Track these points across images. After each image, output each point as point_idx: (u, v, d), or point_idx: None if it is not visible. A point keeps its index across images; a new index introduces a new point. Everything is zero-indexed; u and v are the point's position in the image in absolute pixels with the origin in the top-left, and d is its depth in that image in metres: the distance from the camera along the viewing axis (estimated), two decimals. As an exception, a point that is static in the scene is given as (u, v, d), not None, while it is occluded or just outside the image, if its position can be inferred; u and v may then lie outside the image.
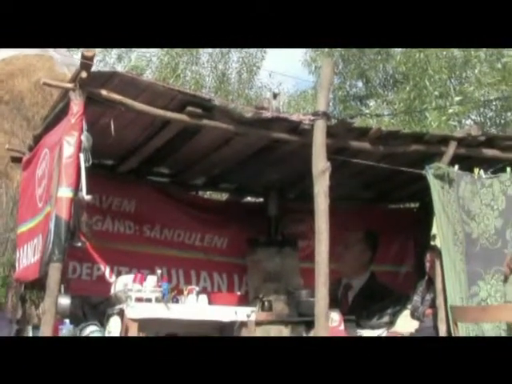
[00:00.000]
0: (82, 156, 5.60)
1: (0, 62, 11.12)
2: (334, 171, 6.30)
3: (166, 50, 18.33)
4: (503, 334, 6.34)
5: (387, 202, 10.04)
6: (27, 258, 6.57)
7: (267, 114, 6.44)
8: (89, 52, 5.44)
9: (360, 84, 19.28)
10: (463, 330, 6.68)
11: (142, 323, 6.18)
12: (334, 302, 7.90)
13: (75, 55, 11.00)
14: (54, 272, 5.42)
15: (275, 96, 7.01)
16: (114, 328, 6.31)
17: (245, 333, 6.66)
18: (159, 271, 6.83)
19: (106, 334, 6.33)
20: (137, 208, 8.14)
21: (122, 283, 6.61)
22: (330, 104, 18.85)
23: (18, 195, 8.02)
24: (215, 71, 19.95)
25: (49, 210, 5.79)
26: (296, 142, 6.76)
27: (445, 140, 7.29)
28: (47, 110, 7.47)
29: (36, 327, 6.61)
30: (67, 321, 6.02)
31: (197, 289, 6.97)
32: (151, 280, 6.48)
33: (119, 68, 17.70)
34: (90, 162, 5.66)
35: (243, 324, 6.68)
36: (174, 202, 8.48)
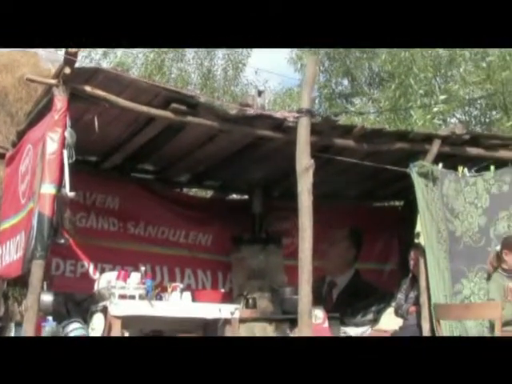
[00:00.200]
0: (65, 152, 5.58)
1: (-16, 57, 11.07)
2: (319, 169, 6.29)
3: (151, 46, 18.28)
4: (486, 332, 6.37)
5: (372, 199, 10.06)
6: (10, 254, 6.52)
7: (251, 111, 6.43)
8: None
9: (346, 82, 19.33)
10: (446, 327, 6.71)
11: (126, 320, 6.16)
12: (319, 300, 7.91)
13: (60, 51, 10.95)
14: (37, 269, 5.39)
15: (260, 93, 6.99)
16: (97, 325, 6.28)
17: (229, 330, 6.64)
18: (143, 268, 6.80)
19: (90, 331, 6.30)
20: (121, 205, 8.12)
21: (106, 280, 6.58)
22: (316, 102, 18.88)
23: (0, 191, 7.96)
24: (201, 68, 19.92)
25: (32, 207, 5.75)
26: (280, 140, 6.76)
27: (429, 138, 7.31)
28: (31, 105, 7.43)
29: (19, 324, 6.58)
30: (50, 318, 5.97)
31: (181, 286, 6.95)
32: (135, 277, 6.46)
33: (105, 64, 17.65)
34: (74, 159, 5.63)
35: (227, 321, 6.67)
36: (159, 199, 8.46)
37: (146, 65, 18.51)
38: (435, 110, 13.53)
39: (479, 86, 14.10)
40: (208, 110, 6.32)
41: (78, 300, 7.37)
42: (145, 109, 6.09)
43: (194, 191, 11.15)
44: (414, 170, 7.10)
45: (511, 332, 5.99)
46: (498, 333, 5.83)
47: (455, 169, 7.43)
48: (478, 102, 15.34)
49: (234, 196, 10.17)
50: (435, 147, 7.24)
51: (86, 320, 6.49)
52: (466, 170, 7.48)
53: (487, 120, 15.87)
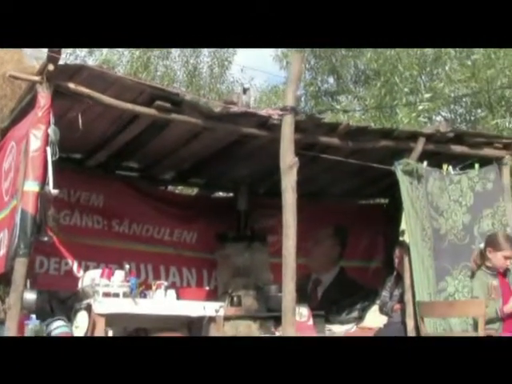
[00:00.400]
0: (48, 149, 5.54)
1: (-33, 54, 10.98)
2: (303, 166, 6.29)
3: (137, 44, 18.21)
4: (470, 329, 6.38)
5: (357, 197, 10.08)
6: (-7, 252, 6.50)
7: (236, 109, 6.42)
8: (56, 45, 5.38)
9: (331, 80, 19.30)
10: (431, 324, 6.72)
11: (110, 318, 6.16)
12: (304, 297, 7.93)
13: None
14: (20, 267, 5.35)
15: (245, 91, 6.98)
16: (81, 323, 6.27)
17: (213, 328, 6.64)
18: (127, 266, 6.79)
19: (74, 329, 6.29)
20: (105, 202, 8.09)
21: (90, 278, 6.57)
22: (302, 100, 18.89)
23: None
24: (187, 65, 19.89)
25: (15, 204, 5.71)
26: (265, 137, 6.75)
27: (414, 136, 7.32)
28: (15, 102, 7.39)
29: (1, 322, 6.53)
30: (33, 316, 5.96)
31: (165, 284, 6.95)
32: (119, 275, 6.46)
33: (90, 62, 17.58)
34: (58, 156, 5.59)
35: (212, 319, 6.68)
36: (143, 197, 8.44)
37: (132, 62, 18.45)
38: (420, 108, 13.56)
39: (464, 84, 14.13)
40: (192, 108, 6.29)
41: (62, 298, 7.35)
42: (129, 106, 6.07)
43: (179, 189, 11.14)
44: (398, 168, 7.10)
45: (495, 330, 6.03)
46: (481, 331, 5.85)
47: (440, 167, 7.45)
48: (463, 100, 15.38)
49: (220, 194, 10.17)
50: (420, 145, 7.25)
51: (69, 318, 6.48)
52: (450, 167, 7.51)
53: (472, 118, 15.91)
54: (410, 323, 6.88)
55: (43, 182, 5.51)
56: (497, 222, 7.45)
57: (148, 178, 8.64)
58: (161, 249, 8.48)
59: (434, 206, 7.32)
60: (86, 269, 7.51)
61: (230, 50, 19.58)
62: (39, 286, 6.51)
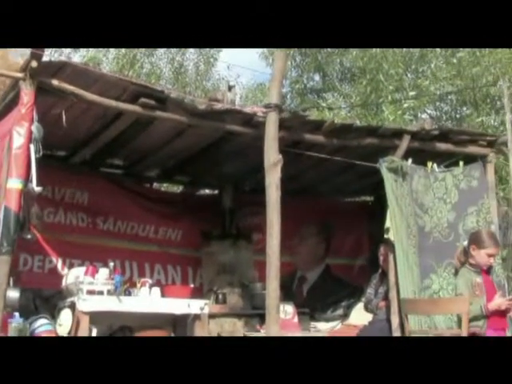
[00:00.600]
0: (32, 147, 5.51)
1: (-49, 50, 10.95)
2: (288, 164, 6.27)
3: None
4: (455, 326, 6.39)
5: (342, 195, 10.07)
6: (-24, 250, 6.45)
7: (220, 106, 6.41)
8: (39, 41, 5.35)
9: (317, 77, 19.34)
10: (415, 322, 6.74)
11: (94, 316, 6.11)
12: (289, 295, 7.94)
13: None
14: (3, 265, 5.31)
15: (230, 88, 6.97)
16: (64, 321, 6.23)
17: (198, 326, 6.62)
18: (112, 264, 6.76)
19: (57, 327, 6.24)
20: (90, 200, 8.06)
21: (74, 276, 6.52)
22: (288, 97, 18.91)
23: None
24: (173, 63, 19.88)
25: (-2, 202, 5.69)
26: (250, 135, 6.72)
27: (398, 133, 7.32)
28: (-1, 99, 7.35)
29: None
30: (17, 314, 5.93)
31: (150, 281, 6.91)
32: (103, 272, 6.41)
33: (76, 58, 17.54)
34: (41, 153, 5.56)
35: (196, 317, 6.64)
36: (128, 194, 8.42)
37: (118, 59, 18.44)
38: (406, 105, 13.61)
39: (450, 82, 14.22)
40: (177, 105, 6.28)
41: (46, 296, 7.29)
42: (113, 103, 6.04)
43: (165, 186, 11.12)
44: (383, 166, 7.10)
45: (479, 327, 6.04)
46: (464, 328, 5.88)
47: (424, 164, 7.46)
48: (449, 97, 15.45)
49: (207, 191, 10.16)
50: (405, 143, 7.25)
51: (53, 316, 6.44)
52: (435, 165, 7.52)
53: (458, 116, 15.98)
54: (395, 320, 6.89)
55: (27, 180, 5.48)
56: (481, 220, 7.46)
57: (133, 176, 8.62)
58: (146, 246, 8.47)
59: (418, 203, 7.33)
60: (71, 266, 7.48)
61: (216, 47, 19.56)
62: (23, 284, 6.47)
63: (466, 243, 6.43)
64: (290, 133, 6.76)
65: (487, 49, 13.12)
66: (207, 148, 7.51)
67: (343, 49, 17.37)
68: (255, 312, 7.51)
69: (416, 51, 15.23)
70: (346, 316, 8.57)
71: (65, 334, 6.08)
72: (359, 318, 7.96)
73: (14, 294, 5.76)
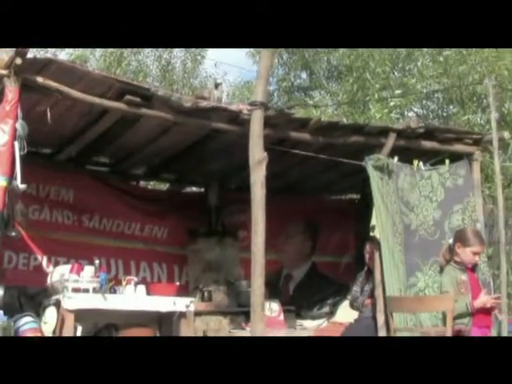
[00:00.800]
0: (16, 144, 5.48)
1: None
2: (274, 162, 6.25)
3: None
4: (440, 324, 6.40)
5: (328, 193, 10.08)
6: (-40, 248, 6.43)
7: (206, 104, 6.40)
8: (23, 38, 5.31)
9: (304, 75, 19.34)
10: (401, 319, 6.75)
11: (79, 314, 6.09)
12: (275, 293, 7.94)
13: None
14: (-13, 262, 5.32)
15: (217, 86, 6.95)
16: (49, 319, 6.21)
17: (184, 323, 6.60)
18: (97, 261, 6.74)
19: (42, 325, 6.23)
20: (75, 197, 8.04)
21: (59, 273, 6.50)
22: (275, 95, 18.91)
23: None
24: (160, 60, 19.85)
25: (-18, 199, 5.66)
26: (236, 132, 6.71)
27: (384, 131, 7.33)
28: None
29: (-31, 318, 6.49)
30: (1, 312, 5.91)
31: (135, 279, 6.89)
32: (88, 270, 6.39)
33: (63, 56, 17.45)
34: (26, 151, 5.53)
35: (182, 314, 6.63)
36: (114, 192, 8.41)
37: (105, 57, 18.38)
38: (392, 103, 13.63)
39: (436, 80, 14.25)
40: (162, 102, 6.26)
41: (31, 293, 7.27)
42: (97, 100, 6.01)
43: (151, 184, 11.10)
44: (369, 164, 7.10)
45: (464, 325, 6.06)
46: (449, 326, 5.89)
47: (410, 162, 7.47)
48: (435, 95, 15.48)
49: (194, 189, 10.15)
50: (390, 141, 7.26)
51: (38, 314, 6.42)
52: (421, 163, 7.54)
53: (444, 114, 16.02)
54: (381, 318, 6.91)
55: (11, 177, 5.45)
56: (467, 218, 7.48)
57: (119, 173, 8.60)
58: (131, 244, 8.46)
59: (404, 201, 7.34)
60: (56, 264, 7.46)
61: (203, 45, 19.53)
62: (7, 282, 6.46)
63: (451, 241, 6.45)
64: (276, 130, 6.76)
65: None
66: (193, 146, 7.49)
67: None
68: (241, 310, 7.51)
69: (403, 49, 15.25)
70: (332, 314, 8.58)
71: (50, 332, 6.06)
72: (345, 315, 7.96)
73: (-2, 291, 5.75)
